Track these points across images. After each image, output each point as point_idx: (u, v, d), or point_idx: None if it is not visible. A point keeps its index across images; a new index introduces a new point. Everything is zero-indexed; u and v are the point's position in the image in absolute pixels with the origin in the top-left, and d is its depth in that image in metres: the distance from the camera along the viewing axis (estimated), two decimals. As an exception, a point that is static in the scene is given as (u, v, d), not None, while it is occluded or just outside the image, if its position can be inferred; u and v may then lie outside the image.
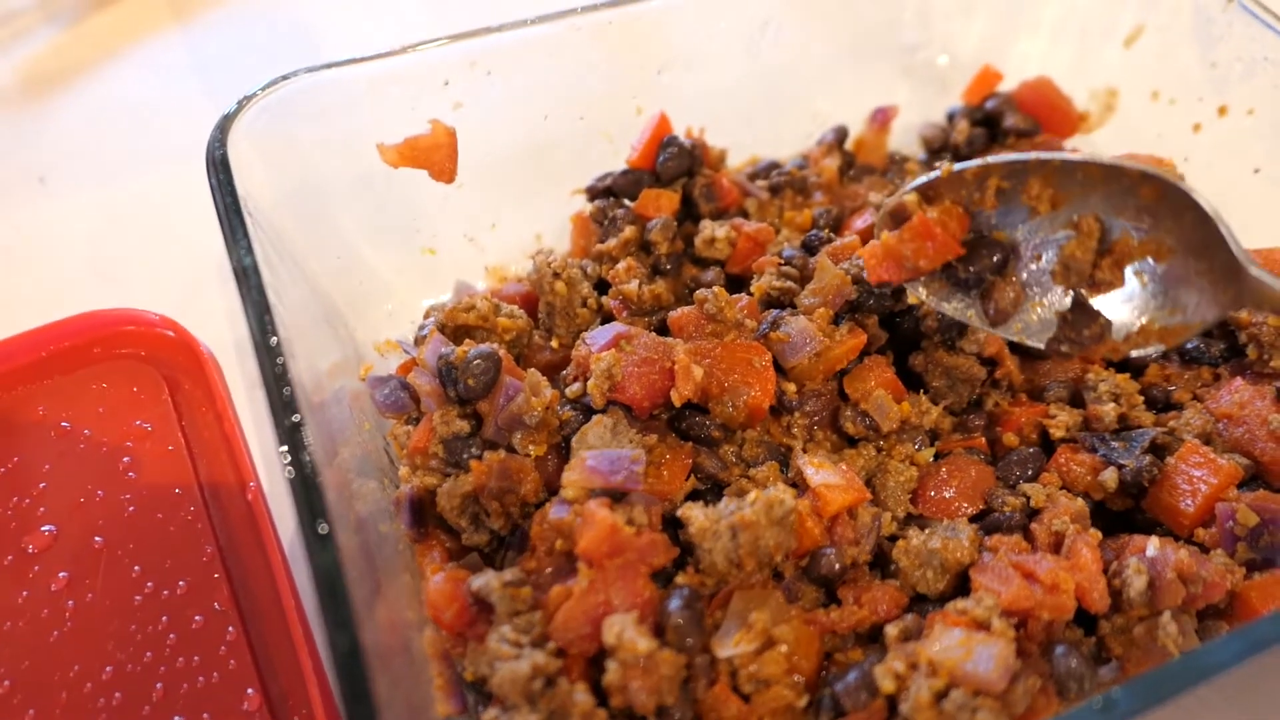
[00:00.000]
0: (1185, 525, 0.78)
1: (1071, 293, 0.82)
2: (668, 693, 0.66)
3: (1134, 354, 0.81)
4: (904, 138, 1.16)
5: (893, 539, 0.80)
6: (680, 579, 0.73)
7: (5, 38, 1.55)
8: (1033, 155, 0.81)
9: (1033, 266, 0.82)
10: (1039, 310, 0.82)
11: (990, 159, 0.81)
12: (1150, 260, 0.79)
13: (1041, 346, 0.83)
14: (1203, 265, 0.77)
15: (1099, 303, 0.82)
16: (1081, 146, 1.11)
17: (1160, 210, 0.77)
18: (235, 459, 0.92)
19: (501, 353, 0.82)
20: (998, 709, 0.63)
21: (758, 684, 0.69)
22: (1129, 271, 0.80)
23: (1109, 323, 0.81)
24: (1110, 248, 0.80)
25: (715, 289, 0.86)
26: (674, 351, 0.81)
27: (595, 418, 0.80)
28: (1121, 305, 0.81)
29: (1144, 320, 0.80)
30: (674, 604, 0.70)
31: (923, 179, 0.83)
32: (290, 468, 0.66)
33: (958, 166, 0.82)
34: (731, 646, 0.69)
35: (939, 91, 1.17)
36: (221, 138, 0.85)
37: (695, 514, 0.72)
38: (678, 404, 0.79)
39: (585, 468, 0.75)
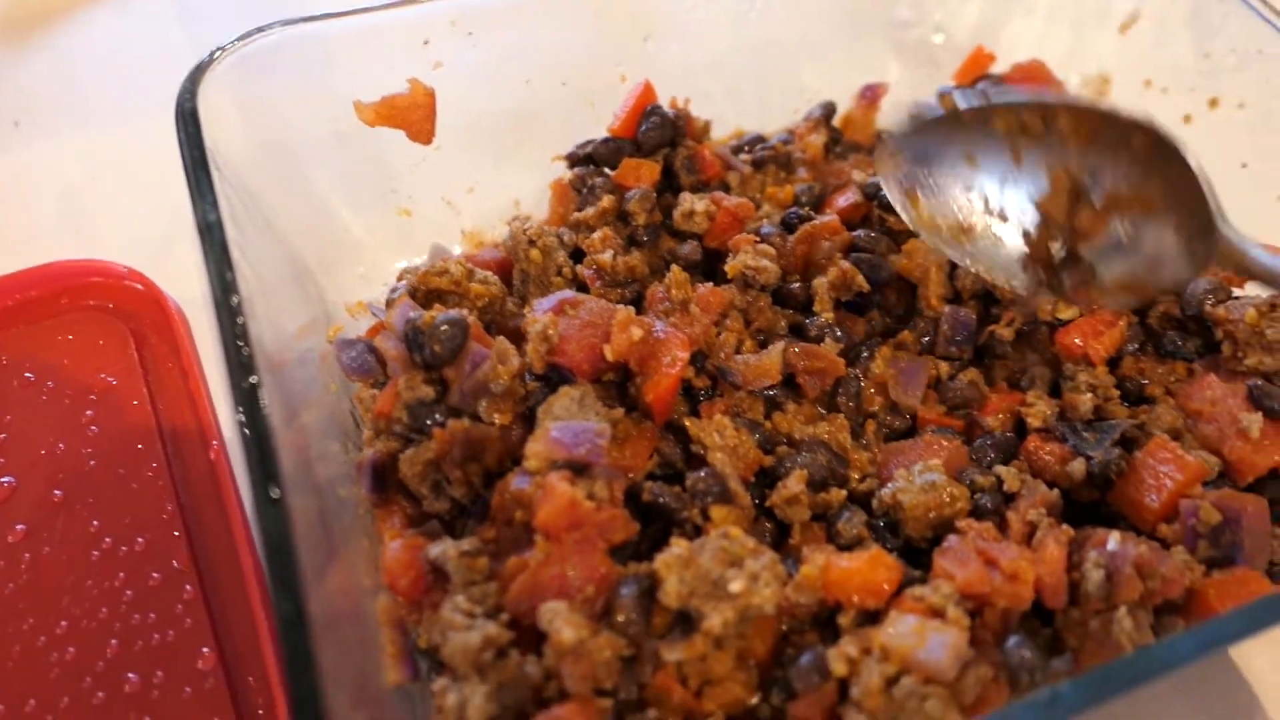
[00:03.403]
0: (1149, 520, 0.78)
1: (1062, 243, 0.84)
2: (605, 676, 0.65)
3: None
4: (893, 116, 1.14)
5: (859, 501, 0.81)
6: (641, 566, 0.71)
7: (-16, -24, 1.52)
8: (1034, 98, 0.83)
9: (1010, 209, 0.85)
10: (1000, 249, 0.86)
11: (994, 101, 0.84)
12: (1133, 212, 0.81)
13: (1003, 284, 0.86)
14: (1181, 220, 0.79)
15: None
16: (1071, 133, 1.09)
17: (1150, 161, 0.79)
18: (199, 416, 0.91)
19: (470, 319, 0.81)
20: (947, 697, 0.63)
21: (706, 682, 0.68)
22: (1114, 223, 0.82)
23: (1094, 269, 0.81)
24: (1102, 196, 0.82)
25: (674, 269, 0.85)
26: (616, 313, 0.80)
27: (562, 389, 0.79)
28: (1098, 255, 0.83)
29: (1117, 272, 0.82)
30: (625, 591, 0.68)
31: (925, 114, 0.86)
32: (245, 429, 0.66)
33: (961, 105, 0.85)
34: (681, 653, 0.66)
35: (931, 70, 1.15)
36: (192, 89, 0.83)
37: (671, 585, 0.66)
38: (609, 359, 0.78)
39: (549, 439, 0.74)
